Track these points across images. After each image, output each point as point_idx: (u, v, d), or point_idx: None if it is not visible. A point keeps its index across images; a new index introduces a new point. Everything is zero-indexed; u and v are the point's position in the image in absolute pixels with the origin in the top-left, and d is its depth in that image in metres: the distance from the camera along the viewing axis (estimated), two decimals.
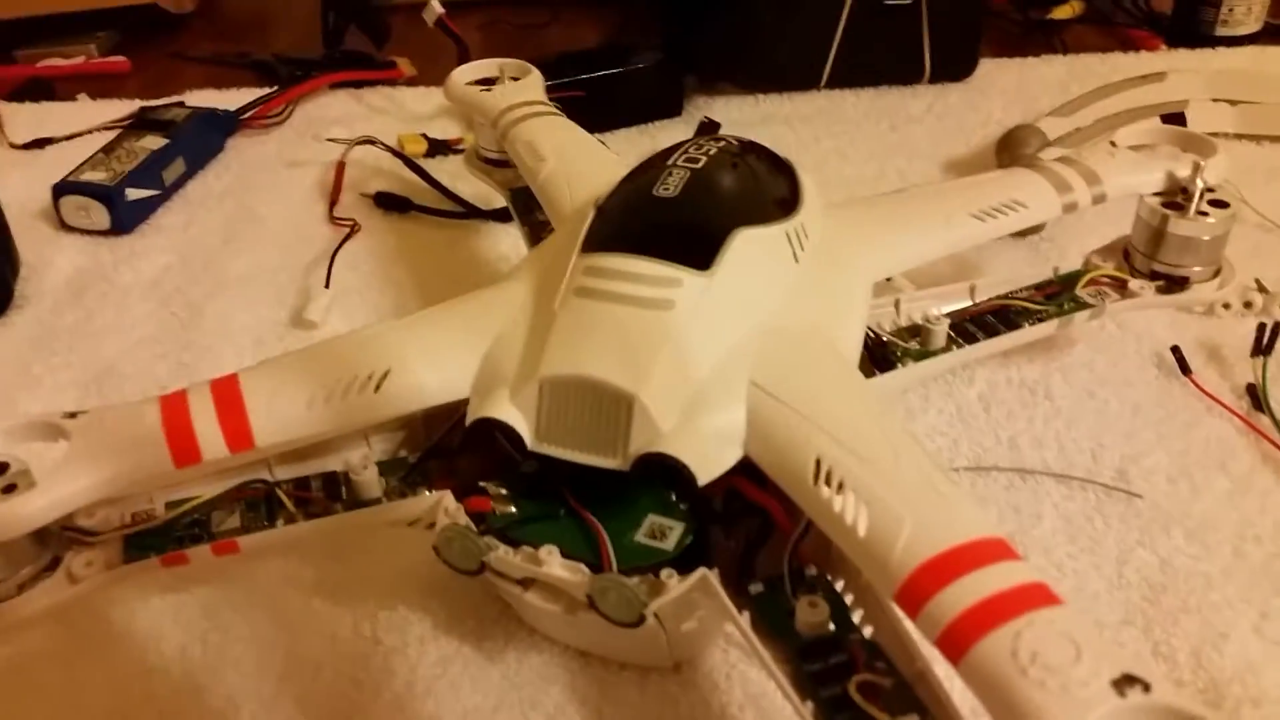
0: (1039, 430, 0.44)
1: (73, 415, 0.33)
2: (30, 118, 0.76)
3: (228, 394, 0.32)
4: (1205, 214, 0.42)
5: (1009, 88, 0.73)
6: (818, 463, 0.28)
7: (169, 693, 0.36)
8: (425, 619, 0.37)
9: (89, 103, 0.79)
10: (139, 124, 0.68)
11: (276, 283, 0.57)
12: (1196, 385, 0.46)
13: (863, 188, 0.62)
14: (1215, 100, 0.66)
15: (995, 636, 0.23)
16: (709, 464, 0.30)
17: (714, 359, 0.31)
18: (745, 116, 0.72)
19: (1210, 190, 0.42)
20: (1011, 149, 0.59)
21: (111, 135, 0.67)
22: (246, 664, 0.36)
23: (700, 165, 0.36)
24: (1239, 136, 0.65)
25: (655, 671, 0.35)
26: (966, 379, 0.47)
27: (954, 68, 0.73)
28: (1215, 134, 0.65)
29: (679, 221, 0.34)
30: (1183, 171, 0.42)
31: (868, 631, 0.30)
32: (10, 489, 0.31)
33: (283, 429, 0.32)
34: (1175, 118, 0.64)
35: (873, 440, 0.29)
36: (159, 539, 0.34)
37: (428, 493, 0.35)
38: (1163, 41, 0.80)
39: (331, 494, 0.35)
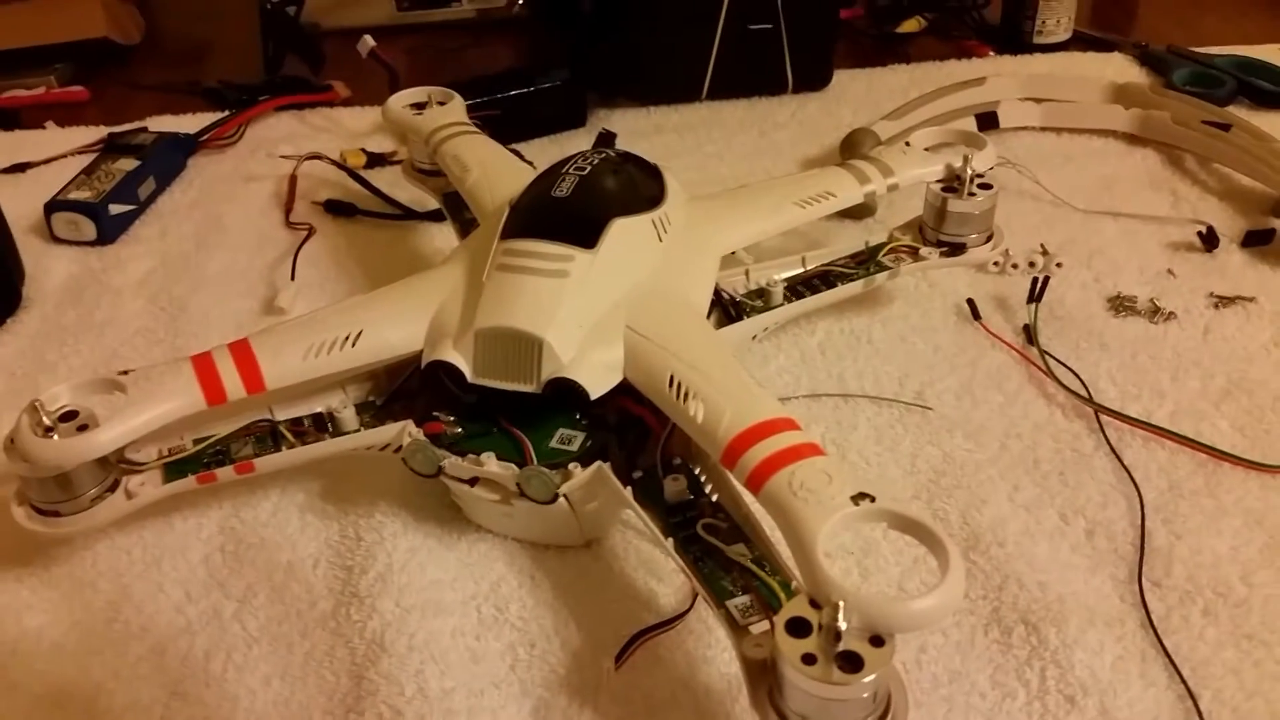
0: (861, 366, 0.57)
1: (125, 373, 0.44)
2: (5, 144, 0.85)
3: (243, 352, 0.44)
4: (974, 194, 0.55)
5: (860, 95, 0.86)
6: (671, 378, 0.41)
7: (200, 589, 0.47)
8: (396, 522, 0.49)
9: (57, 130, 0.88)
10: (111, 148, 0.78)
11: (247, 279, 0.67)
12: (985, 328, 0.60)
13: (736, 184, 0.75)
14: (1024, 99, 0.80)
15: (779, 475, 0.36)
16: (598, 384, 0.43)
17: (599, 311, 0.44)
18: (639, 126, 0.84)
19: (979, 175, 0.55)
20: (851, 149, 0.72)
21: (82, 159, 0.77)
22: (259, 564, 0.48)
23: (587, 172, 0.49)
24: (1043, 129, 0.79)
25: (572, 549, 0.48)
26: (809, 331, 0.60)
27: (812, 79, 0.86)
28: (1022, 128, 0.79)
29: (571, 213, 0.47)
30: (957, 163, 0.55)
31: (715, 497, 0.43)
32: (83, 428, 0.42)
33: (285, 375, 0.44)
34: (989, 116, 0.78)
35: (708, 361, 0.42)
36: (192, 465, 0.45)
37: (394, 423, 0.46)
38: (992, 50, 0.94)
39: (320, 428, 0.47)
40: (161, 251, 0.71)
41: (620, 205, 0.47)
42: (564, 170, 0.49)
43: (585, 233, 0.45)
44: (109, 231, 0.72)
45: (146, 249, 0.71)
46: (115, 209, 0.72)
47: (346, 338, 0.45)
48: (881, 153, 0.57)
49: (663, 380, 0.41)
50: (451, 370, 0.44)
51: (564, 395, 0.43)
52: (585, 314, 0.44)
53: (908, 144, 0.57)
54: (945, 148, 0.60)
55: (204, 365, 0.43)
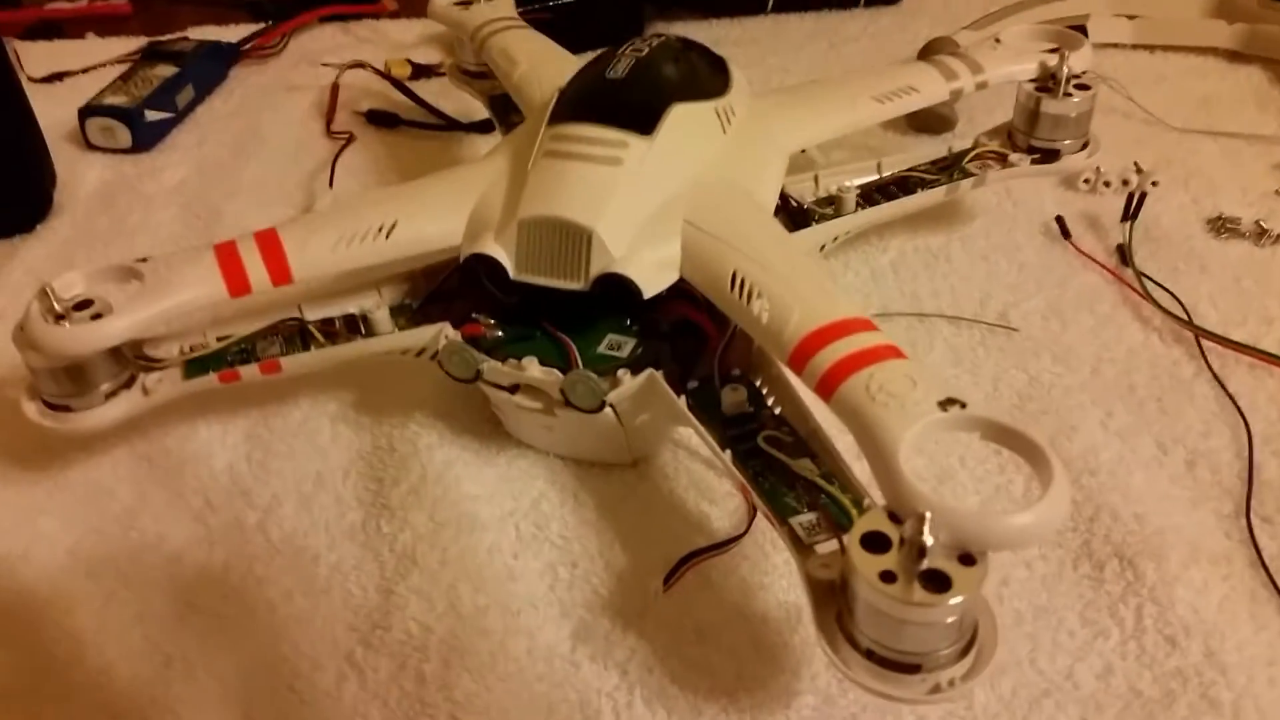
0: (937, 285, 0.53)
1: (143, 261, 0.41)
2: (44, 54, 0.82)
3: (269, 241, 0.40)
4: (1071, 95, 0.50)
5: (937, 8, 0.81)
6: (734, 275, 0.37)
7: (222, 498, 0.44)
8: (432, 434, 0.46)
9: (97, 40, 0.85)
10: (150, 55, 0.75)
11: (284, 188, 0.64)
12: (1075, 247, 0.55)
13: None
14: (1116, 15, 0.74)
15: (855, 378, 0.32)
16: (652, 282, 0.39)
17: (655, 204, 0.40)
18: (699, 38, 0.78)
19: (1076, 76, 0.50)
20: (928, 57, 0.67)
21: (119, 69, 0.74)
22: (286, 474, 0.45)
23: (645, 54, 0.44)
24: (1135, 47, 0.73)
25: (618, 468, 0.44)
26: (881, 249, 0.55)
27: None
28: (1113, 44, 0.73)
29: (627, 97, 0.42)
30: (1053, 61, 0.50)
31: (778, 410, 0.39)
32: (96, 317, 0.39)
33: (314, 266, 0.40)
34: (1078, 29, 0.72)
35: (774, 256, 0.37)
36: (214, 362, 0.42)
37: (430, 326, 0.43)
38: None
39: (352, 329, 0.43)
40: (198, 159, 0.68)
41: (681, 90, 0.43)
42: (620, 53, 0.45)
43: (642, 117, 0.41)
44: (144, 138, 0.69)
45: (183, 156, 0.68)
46: (151, 115, 0.69)
47: (380, 229, 0.41)
48: (970, 49, 0.52)
49: (724, 278, 0.37)
50: (492, 265, 0.40)
51: (615, 294, 0.39)
52: (640, 206, 0.40)
53: (997, 40, 0.52)
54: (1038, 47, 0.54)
55: (227, 254, 0.40)
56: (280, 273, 0.40)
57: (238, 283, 0.39)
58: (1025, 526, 0.27)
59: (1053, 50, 0.51)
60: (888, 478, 0.29)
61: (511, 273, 0.40)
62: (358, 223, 0.41)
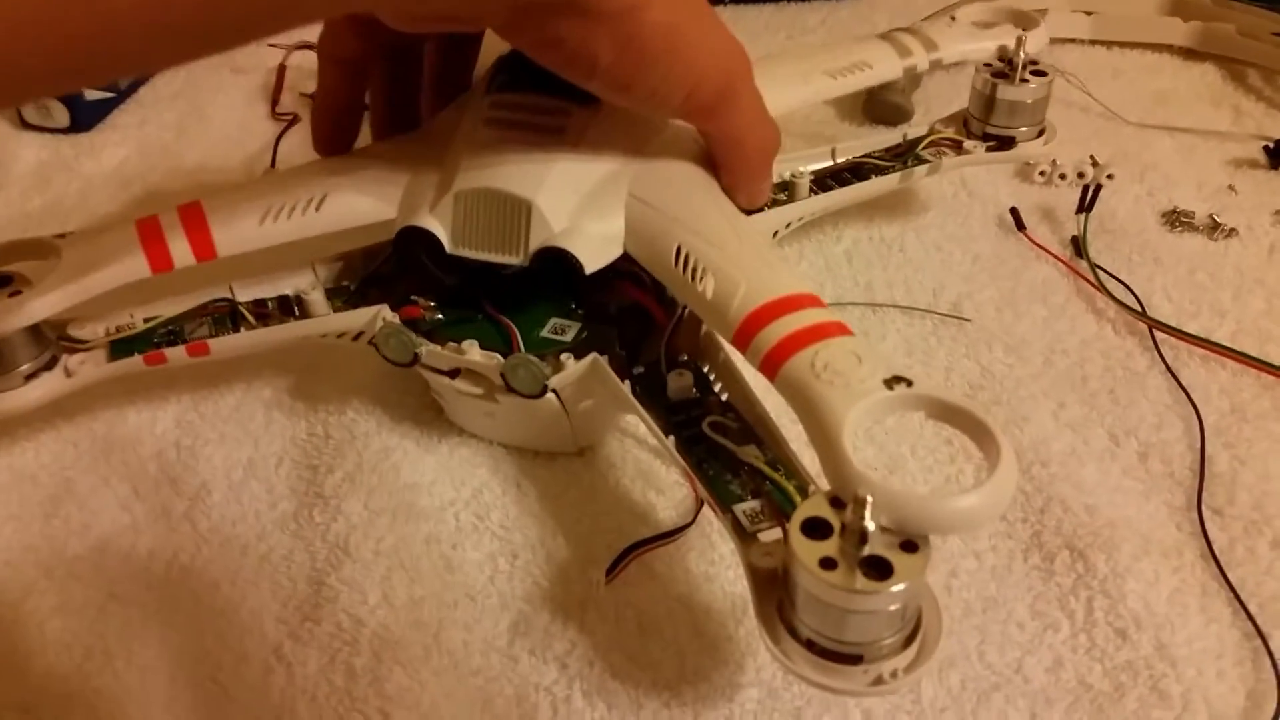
0: (891, 275, 0.52)
1: (62, 236, 0.39)
2: None
3: (193, 215, 0.39)
4: (1027, 81, 0.49)
5: (894, 2, 0.80)
6: (678, 249, 0.36)
7: (149, 485, 0.42)
8: (370, 419, 0.44)
9: None
10: None
11: (226, 169, 0.62)
12: (1030, 239, 0.54)
13: None
14: (1073, 11, 0.74)
15: (800, 356, 0.30)
16: (594, 257, 0.37)
17: (598, 176, 0.38)
18: None
19: (1033, 62, 0.49)
20: None
21: None
22: (216, 461, 0.43)
23: None
24: (1092, 42, 0.73)
25: (563, 456, 0.43)
26: (835, 238, 0.55)
27: None
28: (1069, 40, 0.73)
29: None
30: (1011, 41, 0.49)
31: (725, 396, 0.38)
32: (15, 294, 0.37)
33: (240, 241, 0.39)
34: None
35: (721, 231, 0.36)
36: (140, 343, 0.40)
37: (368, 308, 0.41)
38: None
39: (285, 311, 0.41)
40: (139, 140, 0.66)
41: None
42: None
43: None
44: (84, 118, 0.66)
45: (123, 137, 0.66)
46: (91, 94, 0.67)
47: (310, 201, 0.39)
48: (925, 25, 0.51)
49: (669, 253, 0.36)
50: (428, 240, 0.38)
51: (555, 270, 0.37)
52: (582, 178, 0.38)
53: (953, 18, 0.51)
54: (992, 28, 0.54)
55: (149, 229, 0.38)
56: (204, 248, 0.38)
57: (160, 259, 0.38)
58: (970, 508, 0.26)
59: (1010, 27, 0.50)
60: (829, 457, 0.28)
61: (448, 247, 0.38)
62: (286, 195, 0.39)
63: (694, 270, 0.35)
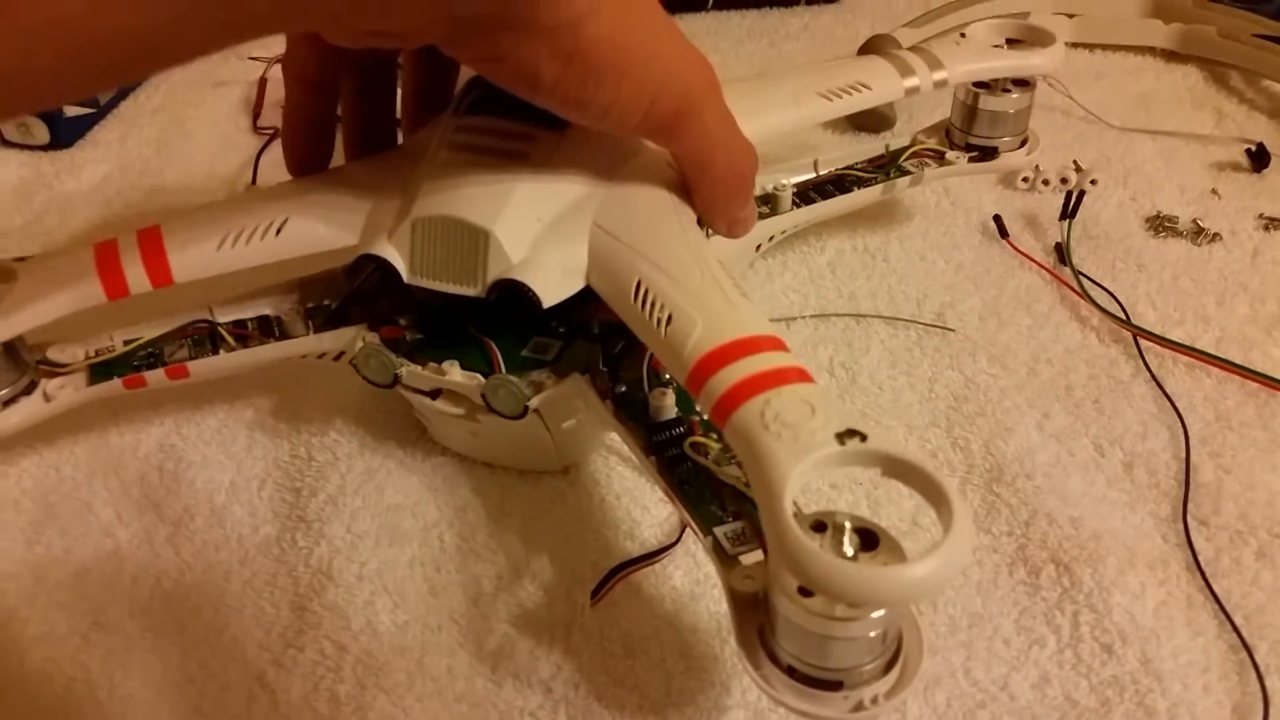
0: (875, 285, 0.52)
1: (20, 259, 0.38)
2: None
3: (151, 240, 0.38)
4: (1009, 91, 0.49)
5: (877, 7, 0.80)
6: (637, 284, 0.34)
7: (133, 510, 0.42)
8: (353, 441, 0.44)
9: None
10: None
11: (208, 185, 0.62)
12: (1013, 246, 0.54)
13: None
14: (1055, 14, 0.74)
15: (750, 404, 0.28)
16: (554, 290, 0.36)
17: (562, 204, 0.37)
18: None
19: None
20: (868, 54, 0.66)
21: None
22: (199, 485, 0.43)
23: None
24: (1074, 45, 0.73)
25: (548, 475, 0.43)
26: (819, 249, 0.54)
27: None
28: None
29: None
30: (1018, 62, 0.49)
31: (707, 416, 0.37)
32: None
33: (197, 267, 0.38)
34: None
35: (684, 265, 0.34)
36: (119, 367, 0.40)
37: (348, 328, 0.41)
38: None
39: (265, 332, 0.41)
40: (120, 156, 0.65)
41: None
42: None
43: None
44: (64, 135, 0.66)
45: (104, 153, 0.66)
46: (71, 111, 0.67)
47: (270, 226, 0.38)
48: (931, 44, 0.50)
49: (628, 287, 0.34)
50: (385, 265, 0.37)
51: (513, 302, 0.36)
52: (544, 205, 0.37)
53: (963, 34, 0.50)
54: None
55: (106, 254, 0.38)
56: (160, 274, 0.37)
57: (115, 285, 0.37)
58: (922, 580, 0.24)
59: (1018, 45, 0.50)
60: (769, 519, 0.26)
61: (405, 276, 0.37)
62: (247, 219, 0.39)
63: (651, 306, 0.33)
